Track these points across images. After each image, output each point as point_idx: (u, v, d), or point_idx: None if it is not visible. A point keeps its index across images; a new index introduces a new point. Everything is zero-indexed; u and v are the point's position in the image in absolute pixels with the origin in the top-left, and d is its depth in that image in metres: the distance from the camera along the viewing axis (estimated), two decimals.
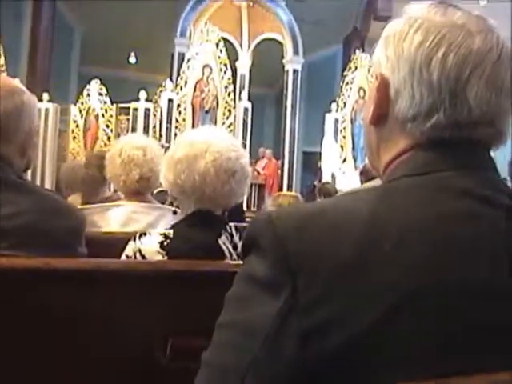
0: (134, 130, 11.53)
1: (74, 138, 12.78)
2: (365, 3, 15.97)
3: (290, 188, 13.84)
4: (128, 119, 12.02)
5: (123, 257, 2.02)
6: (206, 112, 12.12)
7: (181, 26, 14.14)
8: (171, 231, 2.01)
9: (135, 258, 1.97)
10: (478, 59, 0.86)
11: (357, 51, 14.06)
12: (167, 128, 11.41)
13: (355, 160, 13.29)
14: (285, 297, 0.76)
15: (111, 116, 12.41)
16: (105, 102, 12.52)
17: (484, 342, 0.75)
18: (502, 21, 0.92)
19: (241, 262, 0.88)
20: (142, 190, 2.92)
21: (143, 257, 1.96)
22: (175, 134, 11.24)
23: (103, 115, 12.46)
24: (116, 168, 2.90)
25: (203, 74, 12.18)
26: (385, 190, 0.91)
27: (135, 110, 11.83)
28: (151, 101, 12.47)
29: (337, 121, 13.21)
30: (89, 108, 12.63)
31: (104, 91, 12.58)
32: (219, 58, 12.34)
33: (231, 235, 2.07)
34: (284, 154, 14.55)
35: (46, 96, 12.40)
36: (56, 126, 12.79)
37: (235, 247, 2.04)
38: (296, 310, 0.76)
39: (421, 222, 0.79)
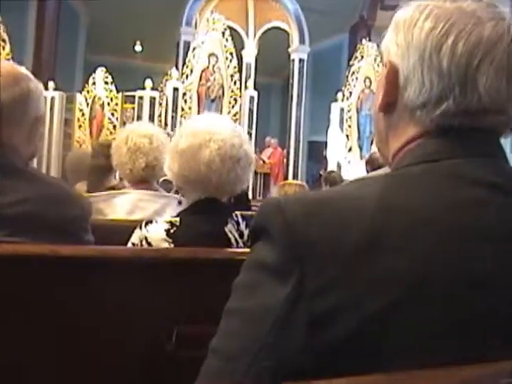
0: (139, 118, 11.50)
1: (80, 126, 12.76)
2: None
3: (295, 177, 13.81)
4: (133, 108, 11.98)
5: (129, 245, 2.02)
6: (212, 101, 12.09)
7: (186, 14, 14.10)
8: (177, 219, 2.01)
9: (141, 245, 1.98)
10: (489, 46, 0.86)
11: (363, 40, 13.98)
12: (173, 117, 11.39)
13: (361, 149, 13.25)
14: (293, 283, 0.76)
15: (117, 104, 12.38)
16: (110, 91, 12.49)
17: (489, 331, 0.75)
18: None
19: (247, 250, 0.88)
20: (148, 178, 2.92)
21: (149, 244, 1.96)
22: (181, 123, 11.21)
23: (109, 104, 12.44)
24: (122, 156, 2.90)
25: (209, 62, 12.13)
26: (393, 177, 0.91)
27: (141, 98, 11.80)
28: (157, 89, 12.43)
29: (342, 110, 13.15)
30: (94, 96, 12.61)
31: (110, 80, 12.54)
32: (225, 46, 12.30)
33: (237, 223, 2.07)
34: (289, 143, 14.52)
35: (51, 84, 12.39)
36: (62, 115, 12.79)
37: (241, 235, 2.04)
38: (304, 296, 0.76)
39: (429, 210, 0.79)
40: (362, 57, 13.48)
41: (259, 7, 15.66)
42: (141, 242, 1.98)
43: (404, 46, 0.92)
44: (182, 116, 11.53)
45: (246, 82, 13.24)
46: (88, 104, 12.72)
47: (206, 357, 0.82)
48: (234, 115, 12.25)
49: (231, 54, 12.39)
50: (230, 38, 12.44)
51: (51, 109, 12.38)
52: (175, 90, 11.56)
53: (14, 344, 1.50)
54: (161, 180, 3.53)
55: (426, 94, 0.89)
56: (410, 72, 0.91)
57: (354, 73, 13.46)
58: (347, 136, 13.18)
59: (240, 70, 13.24)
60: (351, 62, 13.67)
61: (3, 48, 10.96)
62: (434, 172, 0.85)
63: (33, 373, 1.51)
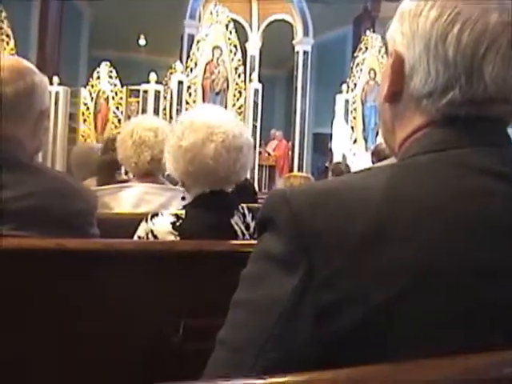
0: (144, 112, 11.49)
1: (85, 120, 12.77)
2: None
3: (300, 169, 13.80)
4: (138, 101, 11.98)
5: (135, 238, 2.03)
6: (217, 94, 12.08)
7: (190, 7, 14.06)
8: (183, 212, 2.01)
9: (147, 238, 1.98)
10: (495, 35, 0.85)
11: (367, 32, 13.95)
12: (177, 110, 11.38)
13: (366, 141, 13.24)
14: (300, 274, 0.76)
15: (121, 98, 12.38)
16: (115, 85, 12.49)
17: (495, 321, 0.75)
18: None
19: (253, 242, 0.88)
20: (153, 171, 2.93)
21: (155, 237, 1.97)
22: None
23: (113, 98, 12.44)
24: (127, 150, 2.91)
25: (213, 55, 12.12)
26: (399, 167, 0.90)
27: (145, 92, 11.79)
28: (161, 83, 12.43)
29: (347, 102, 13.14)
30: (99, 91, 12.61)
31: (114, 74, 12.55)
32: (229, 39, 12.28)
33: (244, 215, 2.08)
34: (294, 136, 14.51)
35: (56, 79, 12.39)
36: (66, 109, 12.80)
37: (248, 227, 2.04)
38: (311, 288, 0.76)
39: (435, 200, 0.79)
40: (367, 48, 13.46)
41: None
42: (147, 235, 1.99)
43: (409, 36, 0.92)
44: (186, 109, 11.51)
45: (250, 75, 13.24)
46: (92, 98, 12.74)
47: (212, 349, 0.82)
48: (239, 108, 12.26)
49: (235, 46, 12.38)
50: (233, 31, 12.43)
51: (56, 103, 12.39)
52: (180, 83, 11.56)
53: (19, 337, 1.51)
54: (166, 173, 3.54)
55: (432, 84, 0.88)
56: (415, 61, 0.91)
57: (358, 64, 13.44)
58: (352, 128, 13.17)
59: (244, 63, 13.23)
60: (355, 54, 13.64)
61: (7, 43, 10.99)
62: (440, 161, 0.85)
63: (36, 365, 1.52)
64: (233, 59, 12.33)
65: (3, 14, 10.98)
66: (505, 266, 0.76)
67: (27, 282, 1.51)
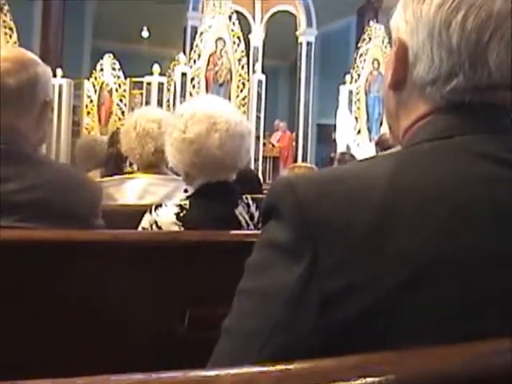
0: (147, 104, 11.45)
1: (88, 113, 12.76)
2: None
3: (304, 160, 13.76)
4: (142, 93, 11.98)
5: (139, 229, 2.03)
6: (220, 85, 12.06)
7: None
8: (187, 202, 2.01)
9: (151, 229, 1.98)
10: (499, 22, 0.84)
11: (371, 22, 13.92)
12: (181, 102, 11.34)
13: (370, 131, 13.22)
14: (305, 262, 0.76)
15: (125, 91, 12.38)
16: (118, 77, 12.48)
17: (501, 310, 0.74)
18: None
19: (258, 232, 0.88)
20: (157, 162, 2.93)
21: (159, 228, 1.97)
22: None
23: (117, 90, 12.43)
24: (131, 141, 2.92)
25: (216, 47, 12.10)
26: (404, 155, 0.90)
27: (149, 84, 11.78)
28: (164, 75, 12.42)
29: (351, 92, 13.12)
30: (102, 83, 12.60)
31: (117, 66, 12.53)
32: (232, 30, 12.25)
33: (248, 205, 2.08)
34: (298, 127, 14.48)
35: (59, 72, 12.39)
36: (70, 102, 12.81)
37: (252, 217, 2.05)
38: (316, 276, 0.75)
39: (440, 187, 0.79)
40: (370, 39, 13.42)
41: None
42: (151, 226, 1.99)
43: (413, 23, 0.91)
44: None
45: (253, 66, 13.21)
46: (96, 91, 12.73)
47: (218, 338, 0.83)
48: (243, 99, 12.25)
49: (238, 38, 12.35)
50: (237, 22, 12.39)
51: (59, 96, 12.38)
52: (183, 75, 11.54)
53: (28, 330, 1.51)
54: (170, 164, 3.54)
55: (436, 71, 0.88)
56: (419, 49, 0.90)
57: (362, 55, 13.41)
58: (356, 118, 13.15)
59: (248, 54, 13.21)
60: (359, 44, 13.61)
61: (10, 36, 10.99)
62: (444, 149, 0.85)
63: (40, 354, 1.52)
64: (236, 51, 12.31)
65: (6, 7, 10.98)
66: (510, 254, 0.75)
67: (34, 271, 1.52)
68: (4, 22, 10.95)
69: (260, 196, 2.91)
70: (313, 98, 14.78)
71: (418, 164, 0.83)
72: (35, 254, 1.51)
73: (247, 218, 2.04)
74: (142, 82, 12.00)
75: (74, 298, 1.54)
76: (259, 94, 12.47)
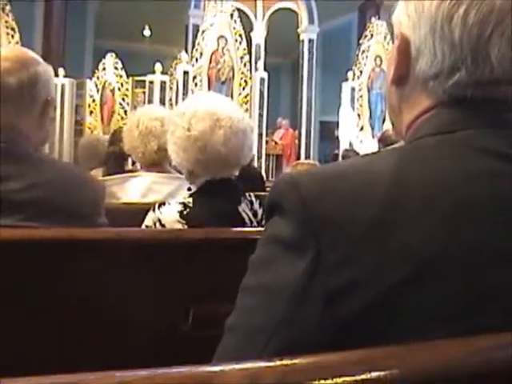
0: (150, 102, 11.46)
1: (91, 112, 12.78)
2: None
3: (307, 158, 13.77)
4: (144, 92, 11.99)
5: (143, 227, 2.03)
6: (222, 83, 12.07)
7: None
8: (190, 200, 2.02)
9: (155, 228, 1.98)
10: (501, 16, 0.84)
11: (372, 19, 13.91)
12: (183, 100, 11.38)
13: (372, 128, 13.23)
14: (309, 258, 0.76)
15: (127, 89, 12.40)
16: (120, 76, 12.50)
17: (503, 306, 0.74)
18: None
19: (261, 229, 0.88)
20: (160, 160, 2.94)
21: (163, 226, 1.97)
22: None
23: (119, 89, 12.45)
24: (134, 140, 2.92)
25: (218, 45, 12.11)
26: (407, 150, 0.90)
27: (151, 83, 11.80)
28: (167, 73, 12.43)
29: (353, 89, 13.11)
30: (105, 82, 12.62)
31: (119, 65, 12.55)
32: (234, 28, 12.26)
33: (251, 202, 2.08)
34: (301, 124, 14.50)
35: (61, 71, 12.41)
36: (72, 101, 12.84)
37: (255, 214, 2.05)
38: (320, 272, 0.75)
39: (444, 183, 0.78)
40: (372, 35, 13.42)
41: None
42: (154, 224, 1.99)
43: (415, 17, 0.91)
44: None
45: (255, 64, 13.22)
46: (98, 90, 12.75)
47: (221, 336, 0.83)
48: (245, 97, 12.26)
49: (240, 35, 12.35)
50: (238, 20, 12.40)
51: (62, 96, 12.41)
52: (185, 73, 11.55)
53: (30, 328, 1.51)
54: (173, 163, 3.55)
55: (439, 65, 0.88)
56: (421, 43, 0.90)
57: (364, 51, 13.40)
58: (358, 115, 13.15)
59: (249, 52, 13.22)
60: (361, 41, 13.61)
61: (12, 36, 11.00)
62: (447, 143, 0.84)
63: (44, 352, 1.52)
64: (238, 48, 12.31)
65: (8, 8, 10.99)
66: None
67: (36, 270, 1.52)
68: (6, 22, 10.97)
69: (263, 193, 2.91)
70: (315, 95, 14.80)
71: (421, 159, 0.83)
72: (37, 252, 1.51)
73: (250, 215, 2.04)
74: (144, 81, 12.02)
75: (75, 297, 1.54)
76: (261, 92, 12.49)
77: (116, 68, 12.55)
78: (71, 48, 15.10)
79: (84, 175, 1.92)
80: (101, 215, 1.85)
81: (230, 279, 0.93)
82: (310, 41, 14.93)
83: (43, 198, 1.65)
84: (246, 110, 11.56)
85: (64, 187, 1.72)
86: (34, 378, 0.56)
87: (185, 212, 1.97)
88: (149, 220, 2.02)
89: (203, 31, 12.03)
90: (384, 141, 5.35)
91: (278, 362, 0.60)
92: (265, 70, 12.83)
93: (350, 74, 13.18)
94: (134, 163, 4.93)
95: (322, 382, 0.57)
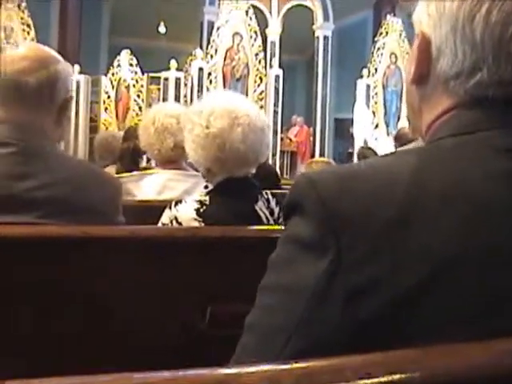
0: (165, 99, 11.53)
1: (106, 109, 12.81)
2: None
3: (322, 155, 13.77)
4: (159, 89, 12.02)
5: (159, 225, 2.03)
6: (237, 80, 12.07)
7: None
8: (207, 198, 2.01)
9: (172, 225, 1.98)
10: None
11: (388, 16, 13.86)
12: (198, 97, 11.37)
13: (387, 126, 13.19)
14: (329, 258, 0.76)
15: (142, 86, 12.42)
16: (135, 73, 12.52)
17: None
18: None
19: (278, 227, 0.88)
20: (176, 157, 2.93)
21: (180, 224, 1.97)
22: None
23: (134, 85, 12.47)
24: (150, 137, 2.92)
25: (233, 41, 12.11)
26: (426, 150, 0.89)
27: (166, 79, 11.83)
28: (182, 70, 12.44)
29: (368, 87, 13.08)
30: (120, 79, 12.65)
31: (134, 61, 12.57)
32: (249, 25, 12.26)
33: (268, 201, 2.08)
34: (316, 121, 14.49)
35: (77, 68, 12.44)
36: (88, 98, 12.87)
37: (272, 213, 2.05)
38: (340, 271, 0.75)
39: (464, 184, 0.78)
40: (387, 32, 13.36)
41: None
42: (171, 221, 1.99)
43: (436, 17, 0.90)
44: None
45: (270, 61, 13.22)
46: (113, 87, 12.77)
47: (239, 335, 0.83)
48: (260, 94, 12.27)
49: (255, 32, 12.35)
50: (253, 17, 12.40)
51: (77, 92, 12.43)
52: (200, 70, 11.56)
53: (44, 326, 1.52)
54: (189, 160, 3.55)
55: (460, 65, 0.87)
56: (442, 43, 0.89)
57: (379, 49, 13.36)
58: (373, 113, 13.11)
59: (265, 49, 13.21)
60: (376, 38, 13.56)
61: (28, 33, 11.04)
62: (468, 144, 0.84)
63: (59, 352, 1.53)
64: (253, 45, 12.31)
65: (23, 4, 11.03)
66: None
67: (53, 268, 1.52)
68: (22, 18, 11.01)
69: (279, 191, 2.91)
70: (330, 92, 14.78)
71: (441, 160, 0.82)
72: (53, 249, 1.52)
73: (267, 213, 2.04)
74: (159, 78, 12.04)
75: (93, 292, 1.55)
76: (276, 89, 12.48)
77: (131, 65, 12.57)
78: (86, 45, 15.15)
79: (102, 173, 1.92)
80: (119, 213, 1.86)
81: (246, 277, 0.94)
82: (325, 38, 14.91)
83: (60, 196, 1.66)
84: (261, 107, 11.56)
85: (82, 185, 1.73)
86: (46, 380, 0.56)
87: (201, 210, 1.97)
88: (165, 218, 2.02)
89: (218, 28, 12.04)
90: (400, 139, 5.35)
91: (297, 365, 0.60)
92: (280, 67, 12.84)
93: (364, 71, 13.14)
94: (148, 160, 4.93)
95: None
